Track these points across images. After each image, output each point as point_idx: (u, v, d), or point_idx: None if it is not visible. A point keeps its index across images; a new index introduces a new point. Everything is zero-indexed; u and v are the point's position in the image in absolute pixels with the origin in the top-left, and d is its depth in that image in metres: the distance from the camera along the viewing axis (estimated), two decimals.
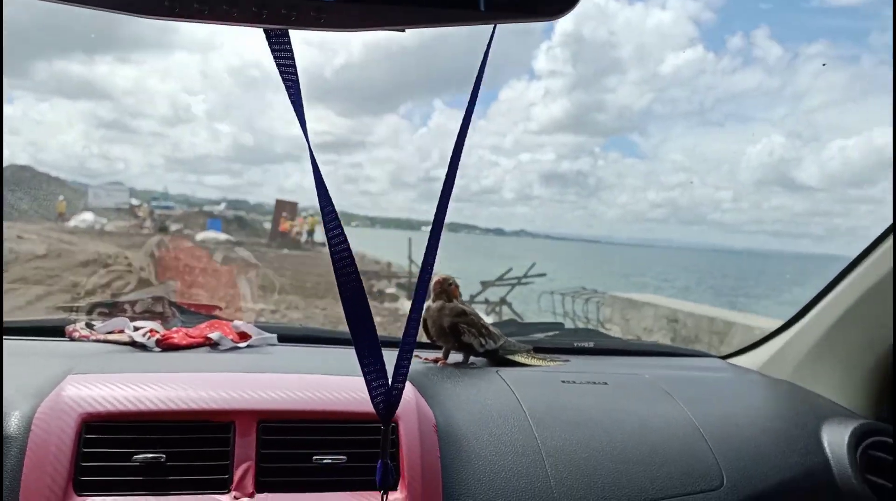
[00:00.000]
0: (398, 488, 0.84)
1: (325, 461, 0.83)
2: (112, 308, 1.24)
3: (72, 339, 1.17)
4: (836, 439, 1.09)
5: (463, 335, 1.18)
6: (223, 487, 0.80)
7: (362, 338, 0.61)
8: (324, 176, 0.60)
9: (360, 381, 0.94)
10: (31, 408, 0.83)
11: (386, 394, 0.61)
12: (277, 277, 13.37)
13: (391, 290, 15.55)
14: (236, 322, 1.22)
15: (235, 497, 0.79)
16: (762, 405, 1.20)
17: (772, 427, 1.11)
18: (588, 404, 1.08)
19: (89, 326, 1.20)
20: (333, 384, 0.91)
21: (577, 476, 0.95)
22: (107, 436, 0.79)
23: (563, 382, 1.15)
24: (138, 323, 1.20)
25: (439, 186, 0.62)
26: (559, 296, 12.14)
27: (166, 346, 1.14)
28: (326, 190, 0.61)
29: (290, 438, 0.84)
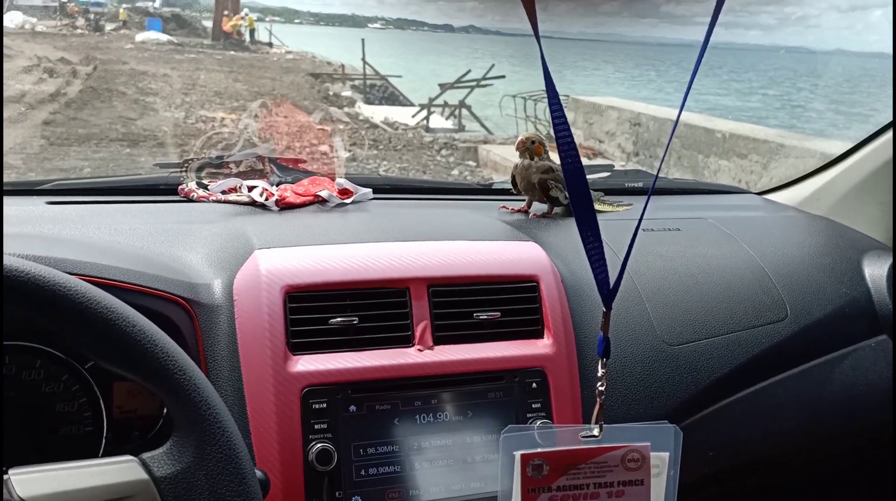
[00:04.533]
0: (544, 336, 0.99)
1: (482, 317, 0.97)
2: (219, 168, 1.30)
3: (189, 199, 1.24)
4: (876, 271, 1.28)
5: (551, 190, 1.29)
6: (407, 342, 0.94)
7: (585, 223, 0.72)
8: None
9: (501, 245, 1.07)
10: (227, 279, 0.93)
11: (605, 283, 0.73)
12: (232, 82, 12.94)
13: (347, 93, 15.27)
14: (339, 180, 1.31)
15: (419, 350, 0.93)
16: (810, 241, 1.36)
17: (822, 262, 1.29)
18: (670, 251, 1.23)
19: (202, 186, 1.27)
20: (482, 249, 1.03)
21: (672, 316, 1.12)
22: (305, 304, 0.91)
23: (644, 229, 1.28)
24: (248, 182, 1.27)
25: None
26: (521, 99, 12.09)
27: (284, 205, 1.23)
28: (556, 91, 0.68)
29: (454, 299, 0.97)
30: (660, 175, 1.75)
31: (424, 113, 12.11)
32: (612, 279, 0.75)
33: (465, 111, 12.66)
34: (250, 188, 1.26)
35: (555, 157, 1.35)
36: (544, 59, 0.69)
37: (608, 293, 0.73)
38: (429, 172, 8.24)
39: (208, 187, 1.26)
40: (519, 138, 1.32)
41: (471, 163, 9.03)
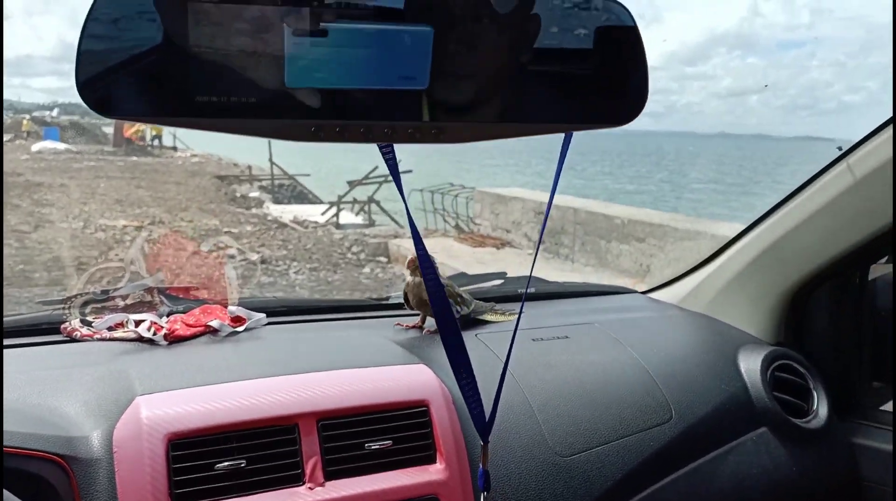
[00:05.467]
0: (437, 461, 1.00)
1: (374, 447, 0.98)
2: (104, 303, 1.27)
3: (73, 339, 1.21)
4: (751, 365, 1.35)
5: None
6: (298, 481, 0.92)
7: (457, 359, 0.74)
8: None
9: (390, 371, 1.08)
10: (107, 430, 0.90)
11: (480, 417, 0.75)
12: (135, 188, 12.72)
13: (255, 194, 15.23)
14: (231, 307, 1.30)
15: (310, 488, 0.92)
16: (690, 339, 1.44)
17: (702, 360, 1.35)
18: (559, 360, 1.27)
19: (86, 323, 1.23)
20: (371, 376, 1.04)
21: (564, 427, 1.15)
22: (189, 451, 0.89)
23: (533, 340, 1.32)
24: (135, 316, 1.25)
25: None
26: (429, 193, 12.37)
27: (173, 338, 1.21)
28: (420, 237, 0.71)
29: (344, 431, 0.97)
30: (552, 280, 1.82)
31: (334, 210, 12.20)
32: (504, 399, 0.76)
33: (374, 206, 12.83)
34: (137, 323, 1.23)
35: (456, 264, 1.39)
36: (405, 200, 0.72)
37: (484, 426, 0.75)
38: (339, 271, 8.21)
39: (92, 324, 1.23)
40: (408, 258, 1.36)
41: (381, 258, 9.06)
